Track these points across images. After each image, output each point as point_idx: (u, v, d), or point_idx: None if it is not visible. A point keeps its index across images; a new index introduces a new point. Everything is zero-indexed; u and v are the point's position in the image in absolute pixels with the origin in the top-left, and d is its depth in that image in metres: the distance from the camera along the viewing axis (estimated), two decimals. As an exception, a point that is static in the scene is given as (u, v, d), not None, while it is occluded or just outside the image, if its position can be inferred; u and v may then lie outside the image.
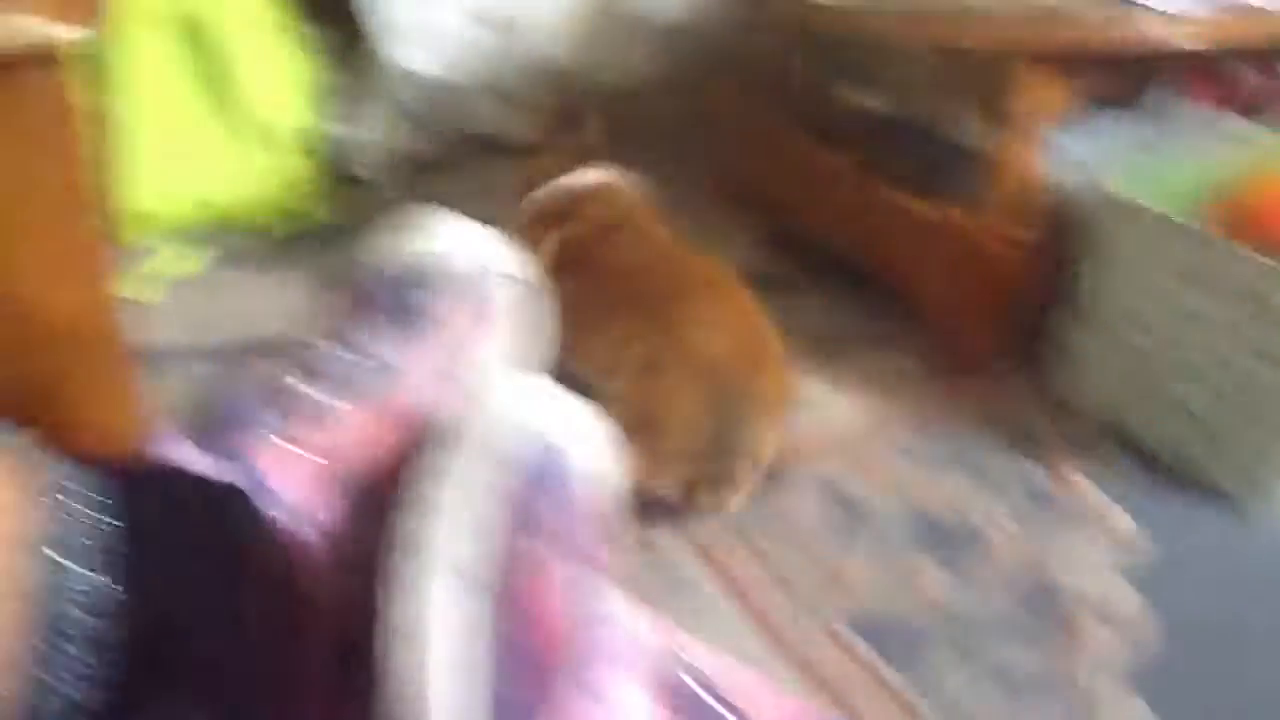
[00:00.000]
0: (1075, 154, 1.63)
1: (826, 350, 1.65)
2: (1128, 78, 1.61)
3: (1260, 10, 1.38)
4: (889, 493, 1.34)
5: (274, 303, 1.78)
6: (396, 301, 0.60)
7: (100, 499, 0.42)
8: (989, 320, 1.54)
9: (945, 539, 1.27)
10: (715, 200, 2.11)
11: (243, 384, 0.52)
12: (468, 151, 2.29)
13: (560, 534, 0.53)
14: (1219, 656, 1.12)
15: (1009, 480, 1.37)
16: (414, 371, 0.56)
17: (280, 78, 1.97)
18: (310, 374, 0.53)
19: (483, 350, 0.62)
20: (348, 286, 0.63)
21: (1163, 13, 1.34)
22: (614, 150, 2.06)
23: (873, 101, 1.85)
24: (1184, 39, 1.34)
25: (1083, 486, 1.36)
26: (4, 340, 0.70)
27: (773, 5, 1.62)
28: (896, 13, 1.49)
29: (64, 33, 0.65)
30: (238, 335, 1.69)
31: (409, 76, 2.15)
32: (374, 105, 2.17)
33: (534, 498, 0.52)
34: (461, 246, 0.66)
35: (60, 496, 0.41)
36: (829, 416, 1.50)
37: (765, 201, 1.94)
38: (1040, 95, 1.41)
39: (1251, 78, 1.84)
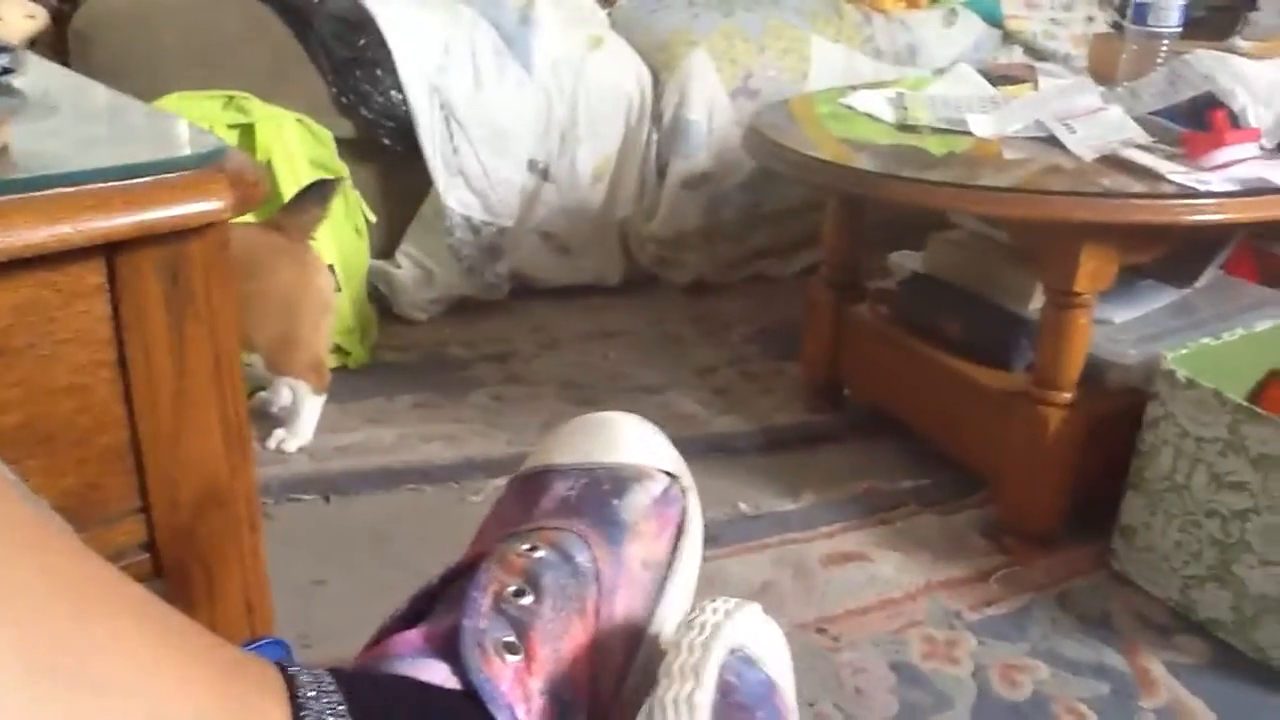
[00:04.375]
0: (1120, 322, 1.66)
1: (875, 504, 1.66)
2: (1168, 250, 1.64)
3: None
4: (957, 667, 1.33)
5: (327, 441, 1.79)
6: (595, 507, 0.60)
7: (344, 707, 0.42)
8: (1054, 490, 1.53)
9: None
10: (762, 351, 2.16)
11: (464, 584, 0.52)
12: (513, 293, 2.33)
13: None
14: None
15: (1084, 667, 1.34)
16: (609, 577, 0.56)
17: (333, 220, 2.00)
18: (524, 578, 0.54)
19: (674, 559, 0.62)
20: (535, 485, 0.64)
21: (1201, 191, 1.38)
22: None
23: (914, 264, 1.88)
24: (1229, 216, 1.39)
25: (1160, 677, 1.33)
26: (167, 505, 0.70)
27: (800, 164, 1.61)
28: (940, 182, 1.50)
29: (217, 204, 0.67)
30: (289, 473, 1.69)
31: (460, 219, 2.19)
32: (427, 246, 2.21)
33: (749, 715, 0.52)
34: (649, 450, 0.66)
35: (310, 706, 0.41)
36: (880, 574, 1.49)
37: (807, 354, 1.96)
38: (1097, 269, 1.44)
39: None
